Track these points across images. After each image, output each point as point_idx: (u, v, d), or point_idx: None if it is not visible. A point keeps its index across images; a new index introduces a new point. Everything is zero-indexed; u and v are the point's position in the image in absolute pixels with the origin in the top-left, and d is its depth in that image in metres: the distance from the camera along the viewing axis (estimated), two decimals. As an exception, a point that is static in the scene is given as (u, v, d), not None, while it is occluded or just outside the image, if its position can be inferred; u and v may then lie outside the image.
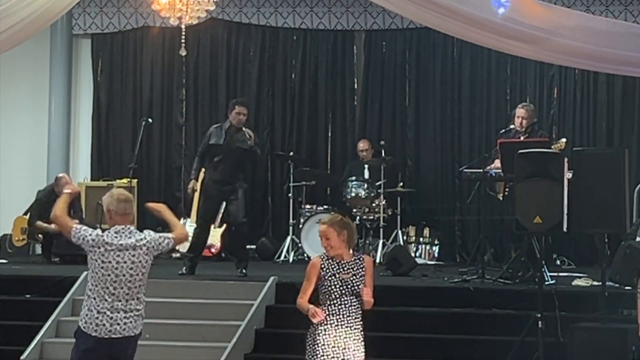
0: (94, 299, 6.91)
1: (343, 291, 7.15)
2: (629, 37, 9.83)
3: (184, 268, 11.39)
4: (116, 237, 7.33)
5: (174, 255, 13.57)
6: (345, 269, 7.18)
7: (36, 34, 11.20)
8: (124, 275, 7.04)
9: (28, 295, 10.76)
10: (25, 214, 13.02)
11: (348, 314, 7.14)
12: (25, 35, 10.48)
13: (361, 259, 7.27)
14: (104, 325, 6.81)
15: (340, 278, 7.15)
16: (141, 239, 7.41)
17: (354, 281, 7.15)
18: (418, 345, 9.63)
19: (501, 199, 11.67)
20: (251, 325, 9.89)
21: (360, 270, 7.18)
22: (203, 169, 11.79)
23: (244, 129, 11.45)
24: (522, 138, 11.19)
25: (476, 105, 14.01)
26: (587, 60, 10.15)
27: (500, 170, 10.93)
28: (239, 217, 11.49)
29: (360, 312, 7.19)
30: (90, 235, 7.26)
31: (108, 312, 6.84)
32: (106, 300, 6.87)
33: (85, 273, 10.92)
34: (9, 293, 10.76)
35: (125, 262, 7.15)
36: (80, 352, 6.86)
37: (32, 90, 14.75)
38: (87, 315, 6.88)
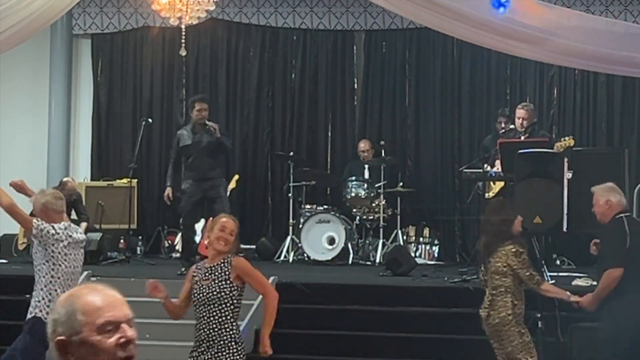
0: (56, 290, 7.38)
1: (201, 299, 6.71)
2: (629, 37, 9.83)
3: (183, 268, 11.40)
4: (70, 232, 7.63)
5: (173, 255, 13.59)
6: (207, 274, 6.73)
7: (36, 34, 11.19)
8: (77, 268, 7.64)
9: (28, 295, 10.75)
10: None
11: (206, 325, 6.68)
12: (25, 35, 10.47)
13: (228, 261, 6.73)
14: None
15: (200, 284, 6.74)
16: (82, 235, 7.87)
17: (210, 287, 6.66)
18: (418, 345, 9.64)
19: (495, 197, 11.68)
20: (251, 325, 9.89)
21: (223, 274, 6.67)
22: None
23: (207, 122, 11.55)
24: (522, 138, 11.20)
25: (476, 105, 14.02)
26: (587, 61, 10.15)
27: (500, 170, 10.95)
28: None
29: (226, 325, 6.68)
30: (53, 228, 7.53)
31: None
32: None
33: (85, 273, 10.96)
34: (9, 293, 10.76)
35: (78, 256, 7.67)
36: (36, 341, 7.32)
37: (32, 90, 14.75)
38: (48, 306, 7.30)
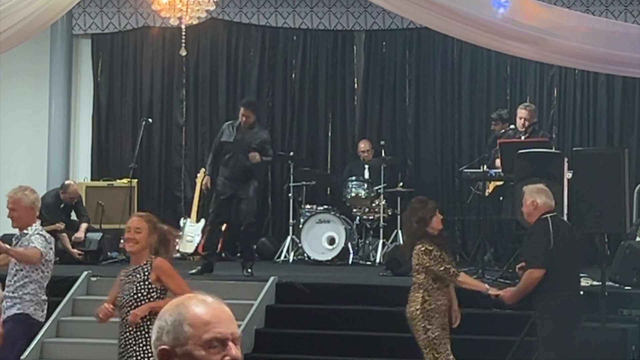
0: (40, 292, 7.81)
1: (120, 302, 6.59)
2: (629, 37, 9.83)
3: (198, 268, 11.32)
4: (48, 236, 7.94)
5: (173, 255, 13.57)
6: (130, 276, 6.61)
7: (36, 34, 11.20)
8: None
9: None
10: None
11: (124, 329, 6.54)
12: (25, 35, 10.48)
13: (149, 262, 6.60)
14: (43, 311, 7.89)
15: (123, 287, 6.62)
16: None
17: (130, 289, 6.51)
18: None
19: (501, 198, 11.70)
20: (251, 325, 9.90)
21: (142, 275, 6.54)
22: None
23: (249, 155, 11.37)
24: (522, 138, 11.20)
25: (476, 105, 14.02)
26: (586, 61, 10.16)
27: (500, 170, 10.96)
28: (249, 217, 11.49)
29: (142, 329, 6.46)
30: (50, 244, 7.83)
31: (44, 303, 7.92)
32: (44, 292, 7.89)
33: (85, 273, 10.97)
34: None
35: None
36: (25, 339, 8.01)
37: (32, 90, 14.74)
38: (37, 303, 7.77)
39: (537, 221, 8.26)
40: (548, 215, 8.22)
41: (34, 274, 7.73)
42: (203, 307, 2.62)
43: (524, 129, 11.35)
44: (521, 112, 11.49)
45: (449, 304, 8.25)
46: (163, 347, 2.58)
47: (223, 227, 13.12)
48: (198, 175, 13.46)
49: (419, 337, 8.14)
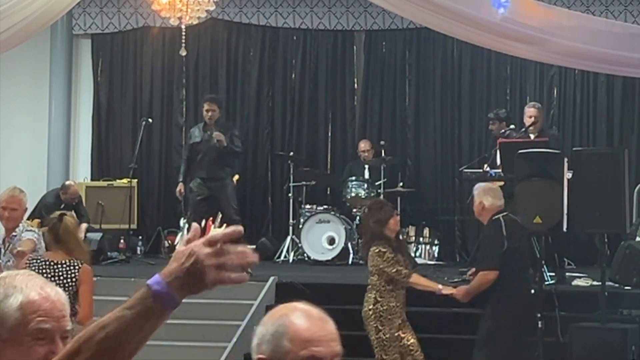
0: None
1: None
2: (629, 37, 9.84)
3: None
4: None
5: (173, 255, 13.57)
6: (48, 270, 6.60)
7: (36, 34, 11.20)
8: None
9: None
10: (29, 217, 13.00)
11: None
12: (25, 35, 10.49)
13: (76, 265, 6.65)
14: None
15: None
16: None
17: None
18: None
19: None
20: (251, 325, 9.90)
21: (70, 277, 6.59)
22: None
23: (214, 134, 11.46)
24: (532, 137, 11.18)
25: (476, 105, 14.02)
26: (586, 61, 10.17)
27: (500, 170, 10.94)
28: (232, 217, 11.53)
29: None
30: (40, 237, 7.79)
31: None
32: None
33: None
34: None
35: None
36: None
37: (32, 90, 14.75)
38: None
39: (489, 222, 8.37)
40: (500, 215, 8.31)
41: None
42: (308, 321, 2.54)
43: (532, 127, 11.30)
44: (530, 111, 11.45)
45: (403, 305, 8.39)
46: (261, 356, 2.52)
47: (222, 228, 13.12)
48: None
49: (371, 336, 8.31)
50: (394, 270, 8.18)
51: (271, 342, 2.53)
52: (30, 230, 7.81)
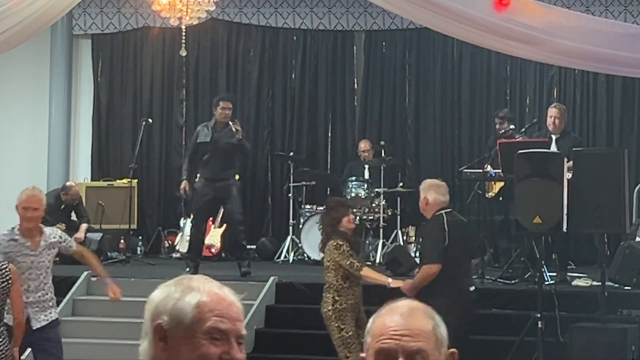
0: None
1: None
2: (629, 37, 9.83)
3: (188, 269, 11.38)
4: None
5: (173, 255, 13.59)
6: None
7: (36, 34, 11.20)
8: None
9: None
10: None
11: None
12: (25, 35, 10.48)
13: (6, 266, 6.83)
14: None
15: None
16: None
17: None
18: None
19: (500, 198, 11.70)
20: (251, 325, 9.91)
21: (4, 278, 6.73)
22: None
23: (230, 123, 11.49)
24: (554, 138, 11.18)
25: (476, 105, 14.02)
26: (587, 61, 10.16)
27: (500, 170, 10.95)
28: (236, 216, 11.54)
29: None
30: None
31: None
32: None
33: (85, 273, 10.98)
34: (9, 293, 10.75)
35: None
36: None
37: (32, 90, 14.75)
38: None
39: (432, 217, 8.46)
40: (443, 211, 8.38)
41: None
42: (394, 317, 2.55)
43: (553, 128, 11.27)
44: (552, 111, 11.42)
45: (360, 303, 8.51)
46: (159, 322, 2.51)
47: (222, 228, 13.14)
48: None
49: (334, 336, 8.45)
50: (348, 262, 8.38)
51: (366, 338, 2.56)
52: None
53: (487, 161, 11.40)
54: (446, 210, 8.41)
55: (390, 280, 8.64)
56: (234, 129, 11.38)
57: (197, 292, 2.48)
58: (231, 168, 11.59)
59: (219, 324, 2.45)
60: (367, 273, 8.50)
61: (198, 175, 11.75)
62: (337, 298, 8.40)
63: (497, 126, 12.14)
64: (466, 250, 8.61)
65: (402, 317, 2.56)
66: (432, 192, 8.46)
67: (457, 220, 8.56)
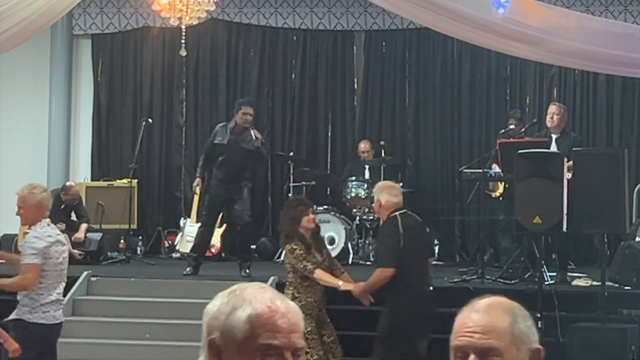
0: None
1: None
2: (629, 37, 9.84)
3: (189, 268, 11.38)
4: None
5: (173, 255, 13.59)
6: None
7: (36, 34, 11.20)
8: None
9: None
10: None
11: None
12: (25, 36, 10.48)
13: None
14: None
15: None
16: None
17: None
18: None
19: (500, 198, 11.70)
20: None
21: None
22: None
23: (250, 130, 11.44)
24: (554, 138, 11.17)
25: (476, 105, 14.02)
26: (586, 61, 10.16)
27: (500, 170, 10.95)
28: (245, 217, 11.52)
29: None
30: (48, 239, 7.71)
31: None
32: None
33: (85, 273, 10.99)
34: (9, 293, 10.74)
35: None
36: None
37: (32, 90, 14.75)
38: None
39: (387, 219, 8.49)
40: (397, 213, 8.39)
41: None
42: (472, 314, 2.54)
43: (553, 127, 11.26)
44: (552, 108, 11.40)
45: (320, 301, 8.57)
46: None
47: (222, 228, 13.13)
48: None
49: None
50: (302, 266, 8.41)
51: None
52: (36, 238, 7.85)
53: (494, 161, 11.36)
54: (401, 212, 8.45)
55: (340, 282, 8.60)
56: (253, 136, 11.34)
57: (247, 305, 2.43)
58: (245, 172, 11.55)
59: (271, 340, 2.39)
60: (320, 276, 8.48)
61: (212, 175, 11.73)
62: (296, 295, 8.44)
63: (514, 127, 11.89)
64: (423, 250, 8.65)
65: (478, 314, 2.54)
66: (385, 194, 8.49)
67: (413, 220, 8.59)
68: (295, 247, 8.48)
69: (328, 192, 14.21)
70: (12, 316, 7.58)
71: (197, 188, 11.96)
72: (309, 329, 8.33)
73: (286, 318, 2.43)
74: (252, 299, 2.44)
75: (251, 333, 2.39)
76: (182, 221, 13.62)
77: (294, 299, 8.36)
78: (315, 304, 8.49)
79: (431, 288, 8.60)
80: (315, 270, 8.45)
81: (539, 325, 8.80)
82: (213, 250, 13.23)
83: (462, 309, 2.57)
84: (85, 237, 12.84)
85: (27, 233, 7.76)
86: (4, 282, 7.68)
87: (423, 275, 8.53)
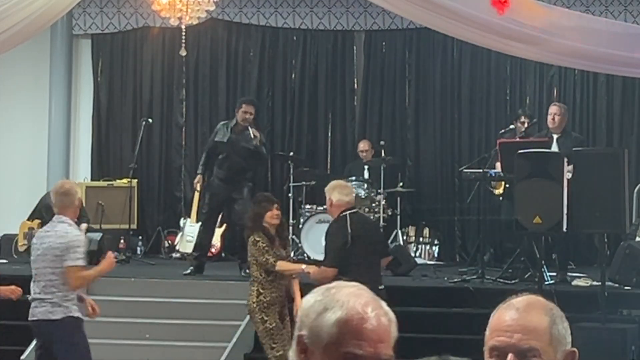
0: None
1: None
2: (629, 37, 9.84)
3: (190, 268, 11.37)
4: None
5: (173, 255, 13.59)
6: None
7: (36, 34, 11.20)
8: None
9: (28, 296, 10.75)
10: (29, 218, 13.00)
11: None
12: (25, 35, 10.48)
13: None
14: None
15: None
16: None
17: None
18: (418, 345, 9.63)
19: (501, 198, 11.70)
20: (251, 325, 9.90)
21: None
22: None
23: (249, 128, 11.45)
24: (555, 138, 11.17)
25: (476, 105, 14.02)
26: (586, 61, 10.16)
27: (500, 170, 10.95)
28: (246, 217, 11.51)
29: None
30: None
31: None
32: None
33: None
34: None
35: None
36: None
37: (32, 90, 14.75)
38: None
39: (336, 218, 8.53)
40: (347, 212, 8.42)
41: None
42: (510, 312, 2.52)
43: (554, 128, 11.26)
44: (552, 108, 11.40)
45: (285, 297, 8.65)
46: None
47: (222, 228, 13.13)
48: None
49: (258, 328, 8.65)
50: (263, 259, 8.48)
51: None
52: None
53: (496, 160, 11.34)
54: (351, 211, 8.46)
55: (304, 266, 8.75)
56: (251, 135, 11.33)
57: (339, 307, 2.37)
58: (246, 171, 11.55)
59: (356, 350, 2.34)
60: (282, 266, 8.56)
61: (213, 173, 11.73)
62: (261, 291, 8.52)
63: (524, 126, 11.80)
64: (373, 249, 8.65)
65: (518, 313, 2.51)
66: (336, 193, 8.51)
67: (362, 220, 8.67)
68: (258, 238, 8.57)
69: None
70: (56, 315, 7.58)
71: (198, 185, 11.97)
72: (273, 325, 8.48)
73: (376, 326, 2.36)
74: (345, 302, 2.39)
75: (337, 338, 2.34)
76: (182, 221, 13.62)
77: (259, 294, 8.55)
78: (279, 299, 8.59)
79: (382, 287, 8.52)
80: (277, 263, 8.52)
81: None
82: (213, 250, 13.22)
83: (497, 307, 2.53)
84: (85, 237, 12.83)
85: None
86: (91, 273, 7.97)
87: (372, 275, 8.45)
